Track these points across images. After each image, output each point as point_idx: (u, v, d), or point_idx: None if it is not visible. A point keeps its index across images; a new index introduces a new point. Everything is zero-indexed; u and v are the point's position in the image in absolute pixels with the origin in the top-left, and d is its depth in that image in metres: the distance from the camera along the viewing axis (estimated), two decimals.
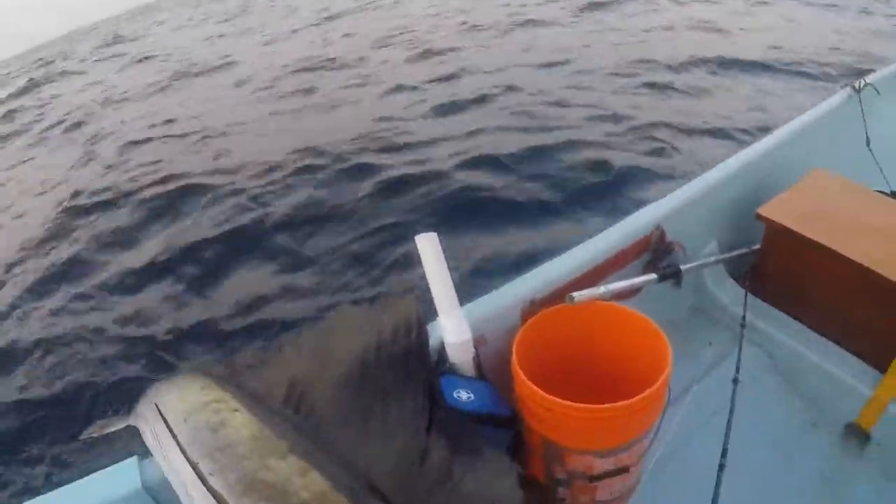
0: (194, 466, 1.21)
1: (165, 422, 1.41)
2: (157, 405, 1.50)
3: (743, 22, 10.98)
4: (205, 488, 1.15)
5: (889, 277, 2.08)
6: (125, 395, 3.75)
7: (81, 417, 3.72)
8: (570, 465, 1.68)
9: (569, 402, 1.53)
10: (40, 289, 5.56)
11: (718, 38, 10.01)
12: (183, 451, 1.27)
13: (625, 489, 1.81)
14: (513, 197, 5.58)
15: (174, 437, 1.33)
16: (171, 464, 1.29)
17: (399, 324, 1.46)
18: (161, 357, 3.87)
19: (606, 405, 1.52)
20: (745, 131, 6.29)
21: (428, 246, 1.71)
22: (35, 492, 1.58)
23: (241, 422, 1.30)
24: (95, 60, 21.18)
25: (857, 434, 2.18)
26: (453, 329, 1.70)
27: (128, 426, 1.69)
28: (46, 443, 3.60)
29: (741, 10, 11.90)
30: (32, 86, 18.34)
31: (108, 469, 1.47)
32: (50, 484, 3.22)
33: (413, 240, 1.74)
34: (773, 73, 8.23)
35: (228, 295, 4.87)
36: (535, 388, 1.58)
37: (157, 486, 1.41)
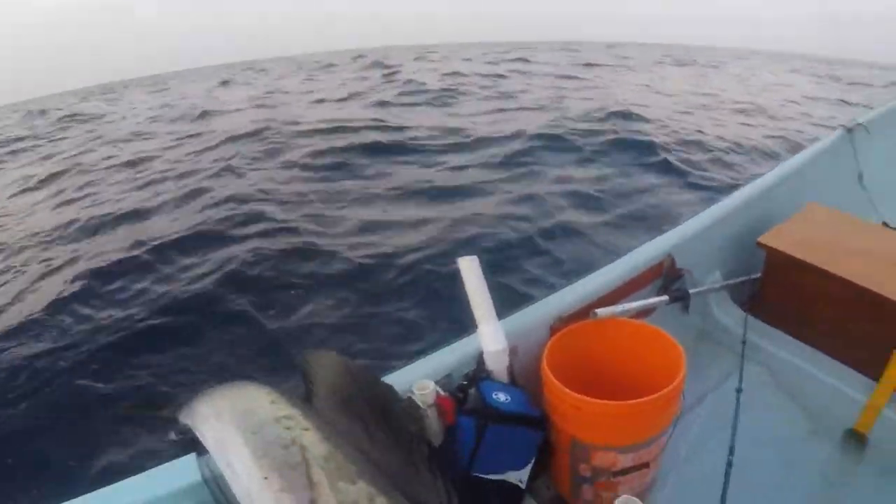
0: (262, 479, 1.24)
1: (230, 429, 1.43)
2: (221, 409, 1.53)
3: None
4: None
5: (879, 293, 2.29)
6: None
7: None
8: (595, 461, 1.87)
9: (595, 400, 1.74)
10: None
11: None
12: (251, 462, 1.29)
13: (643, 486, 1.99)
14: None
15: (242, 445, 1.35)
16: (234, 471, 1.32)
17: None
18: None
19: (630, 401, 1.72)
20: None
21: (469, 267, 1.90)
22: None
23: (312, 441, 1.33)
24: None
25: (856, 439, 2.36)
26: (491, 339, 1.88)
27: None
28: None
29: None
30: None
31: (169, 463, 1.61)
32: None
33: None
34: None
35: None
36: (564, 388, 1.79)
37: (216, 481, 1.52)
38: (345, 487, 1.21)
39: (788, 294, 2.67)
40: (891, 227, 3.47)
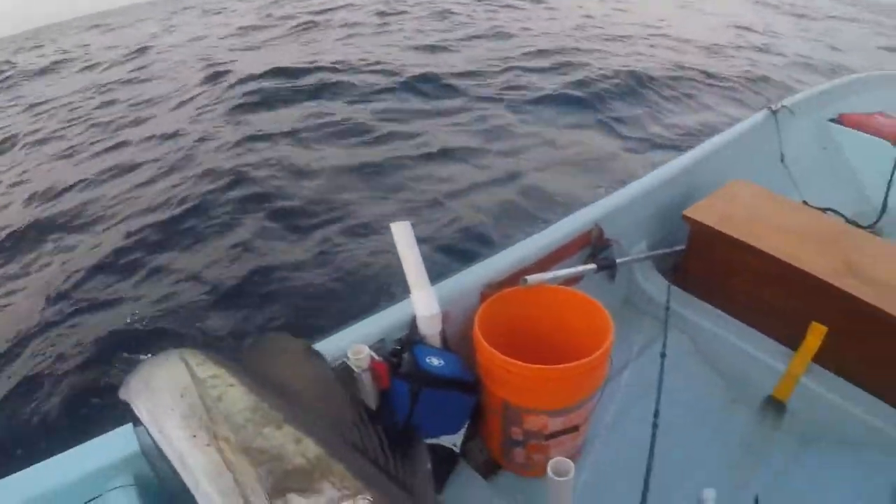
0: (191, 437, 1.27)
1: (160, 396, 1.44)
2: (151, 380, 1.53)
3: None
4: (202, 458, 1.23)
5: (797, 266, 2.39)
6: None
7: None
8: (527, 424, 1.92)
9: (526, 364, 1.78)
10: None
11: None
12: (180, 424, 1.32)
13: (574, 449, 2.06)
14: None
15: (171, 410, 1.37)
16: (166, 436, 1.34)
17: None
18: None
19: (560, 365, 1.77)
20: None
21: (402, 232, 1.91)
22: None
23: (237, 395, 1.37)
24: None
25: (775, 405, 2.47)
26: (424, 303, 1.91)
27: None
28: None
29: None
30: None
31: (107, 434, 1.59)
32: None
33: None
34: None
35: None
36: (495, 352, 1.82)
37: (152, 451, 1.53)
38: (270, 433, 1.26)
39: (710, 266, 2.76)
40: (810, 206, 3.62)
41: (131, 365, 1.76)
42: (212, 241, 5.70)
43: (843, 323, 2.36)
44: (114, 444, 1.56)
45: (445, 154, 7.32)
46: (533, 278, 2.14)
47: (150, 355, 1.78)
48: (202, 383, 1.42)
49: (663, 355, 2.19)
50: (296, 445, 1.24)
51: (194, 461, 1.23)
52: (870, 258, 2.52)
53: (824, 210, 3.76)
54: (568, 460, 1.42)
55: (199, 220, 6.04)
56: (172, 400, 1.40)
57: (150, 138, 9.02)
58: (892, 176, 4.10)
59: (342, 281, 4.87)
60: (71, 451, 1.55)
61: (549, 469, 1.41)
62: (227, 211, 6.18)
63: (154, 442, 1.37)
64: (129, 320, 4.62)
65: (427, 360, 1.83)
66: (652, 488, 1.61)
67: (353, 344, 1.73)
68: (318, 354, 1.68)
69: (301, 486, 1.16)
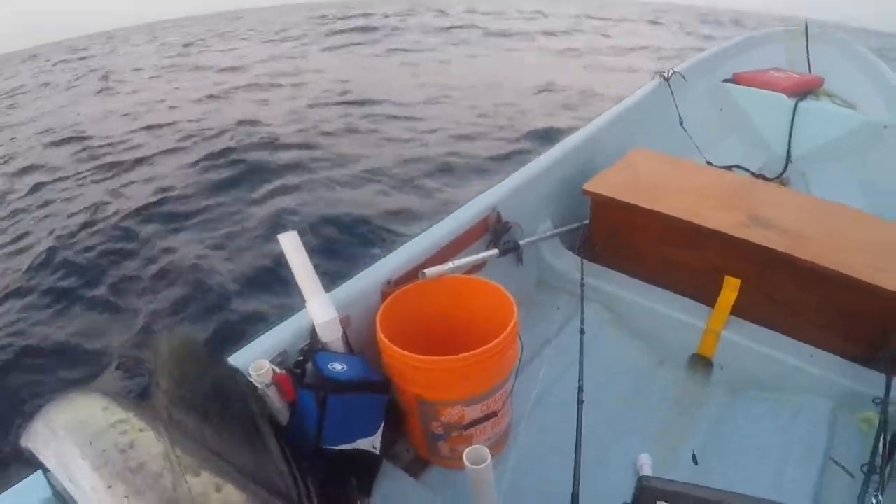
0: (107, 489, 1.24)
1: (67, 443, 1.40)
2: (56, 426, 1.49)
3: None
4: None
5: (701, 224, 2.46)
6: None
7: None
8: (444, 417, 1.93)
9: (431, 357, 1.79)
10: None
11: None
12: (92, 474, 1.29)
13: (499, 433, 2.08)
14: None
15: (80, 458, 1.34)
16: (79, 486, 1.31)
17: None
18: None
19: (463, 354, 1.78)
20: None
21: (289, 242, 1.90)
22: None
23: (149, 441, 1.33)
24: None
25: (701, 362, 2.54)
26: (320, 310, 1.89)
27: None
28: None
29: None
30: None
31: (18, 485, 1.53)
32: None
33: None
34: None
35: None
36: (397, 349, 1.83)
37: (66, 494, 1.44)
38: (190, 480, 1.24)
39: (617, 235, 2.80)
40: (714, 166, 3.72)
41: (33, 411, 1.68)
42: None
43: (755, 273, 2.44)
44: (27, 494, 1.51)
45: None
46: (431, 271, 2.14)
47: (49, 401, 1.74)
48: (111, 429, 1.39)
49: (582, 331, 2.22)
50: (217, 493, 1.22)
51: None
52: (776, 208, 2.61)
53: (730, 168, 3.87)
54: (483, 447, 1.42)
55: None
56: (80, 449, 1.36)
57: None
58: (791, 126, 4.26)
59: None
60: None
61: (464, 459, 1.41)
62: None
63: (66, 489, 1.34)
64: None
65: (329, 367, 1.81)
66: (585, 463, 1.60)
67: (254, 360, 1.72)
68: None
69: None
